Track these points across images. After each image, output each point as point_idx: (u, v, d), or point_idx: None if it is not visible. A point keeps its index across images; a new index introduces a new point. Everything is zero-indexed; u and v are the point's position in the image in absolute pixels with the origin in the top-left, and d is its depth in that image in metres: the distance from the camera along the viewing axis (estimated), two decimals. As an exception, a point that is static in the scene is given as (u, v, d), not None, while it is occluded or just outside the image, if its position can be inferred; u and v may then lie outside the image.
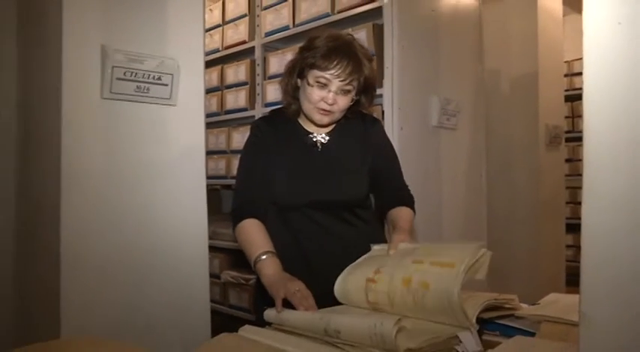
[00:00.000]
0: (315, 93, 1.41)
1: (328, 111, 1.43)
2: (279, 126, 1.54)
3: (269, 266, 1.33)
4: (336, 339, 1.03)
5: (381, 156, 1.57)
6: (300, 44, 2.68)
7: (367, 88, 1.48)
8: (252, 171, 1.50)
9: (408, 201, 1.57)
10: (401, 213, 1.50)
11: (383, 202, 1.57)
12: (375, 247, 1.38)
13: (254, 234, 1.41)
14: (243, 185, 1.52)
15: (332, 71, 1.38)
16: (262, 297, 1.35)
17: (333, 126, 1.55)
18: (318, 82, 1.40)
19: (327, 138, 1.53)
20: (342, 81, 1.40)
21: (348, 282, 1.27)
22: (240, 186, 1.53)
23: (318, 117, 1.46)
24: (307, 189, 1.47)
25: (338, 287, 1.28)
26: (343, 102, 1.44)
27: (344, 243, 1.47)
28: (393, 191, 1.57)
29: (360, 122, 1.57)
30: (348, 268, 1.32)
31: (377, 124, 1.62)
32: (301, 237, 1.47)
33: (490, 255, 1.12)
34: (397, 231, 1.40)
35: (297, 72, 1.47)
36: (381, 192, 1.57)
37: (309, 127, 1.54)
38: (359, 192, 1.52)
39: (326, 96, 1.41)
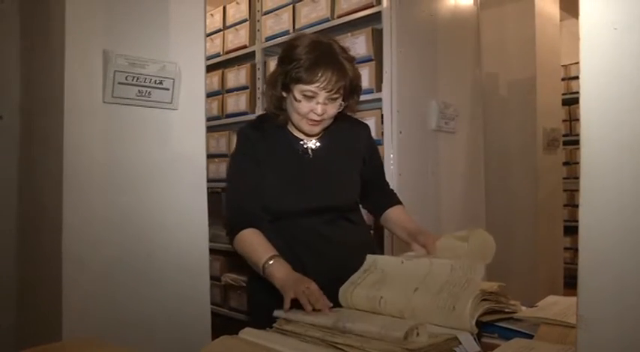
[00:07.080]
0: (304, 106, 1.39)
1: (318, 121, 1.42)
2: (268, 133, 1.50)
3: (279, 270, 1.31)
4: (342, 333, 1.05)
5: (371, 160, 1.61)
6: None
7: (353, 90, 1.47)
8: (244, 181, 1.48)
9: (397, 198, 1.66)
10: (401, 215, 1.59)
11: (374, 204, 1.63)
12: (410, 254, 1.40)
13: (255, 242, 1.40)
14: (236, 196, 1.49)
15: (317, 84, 1.36)
16: (256, 298, 1.35)
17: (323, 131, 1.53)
18: (304, 95, 1.38)
19: (318, 144, 1.51)
20: (328, 92, 1.38)
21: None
22: (233, 197, 1.51)
23: (308, 128, 1.45)
24: (299, 196, 1.46)
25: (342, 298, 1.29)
26: (332, 110, 1.42)
27: (337, 246, 1.47)
28: (383, 192, 1.64)
29: (349, 126, 1.56)
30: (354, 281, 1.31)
31: (367, 129, 1.62)
32: (294, 243, 1.46)
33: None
34: (421, 233, 1.48)
35: (280, 85, 1.44)
36: (371, 195, 1.61)
37: (298, 134, 1.51)
38: (350, 197, 1.53)
39: (314, 107, 1.39)
